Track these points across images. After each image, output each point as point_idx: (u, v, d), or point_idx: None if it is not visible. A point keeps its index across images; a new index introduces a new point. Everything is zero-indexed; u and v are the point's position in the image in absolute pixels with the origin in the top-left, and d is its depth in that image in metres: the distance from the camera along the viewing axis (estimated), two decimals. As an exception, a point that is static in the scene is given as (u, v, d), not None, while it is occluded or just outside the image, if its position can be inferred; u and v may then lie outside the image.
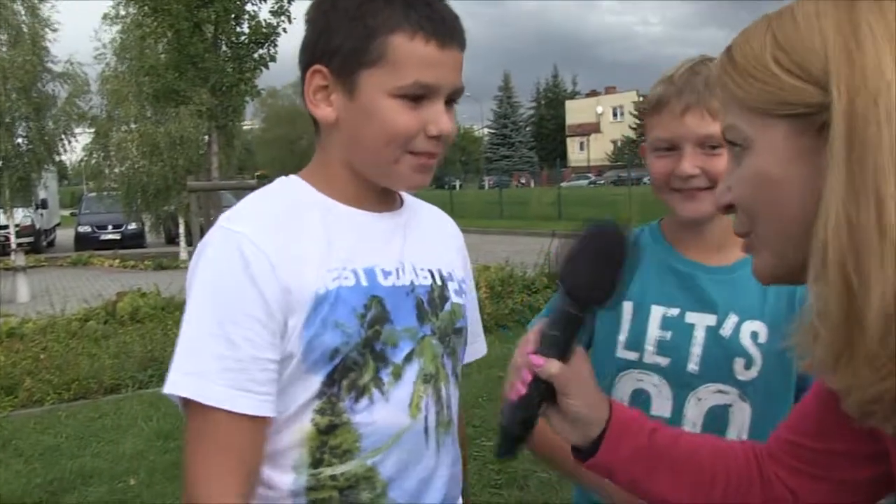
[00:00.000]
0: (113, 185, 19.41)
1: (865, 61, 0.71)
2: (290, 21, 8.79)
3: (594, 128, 77.57)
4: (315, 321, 1.08)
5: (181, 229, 18.60)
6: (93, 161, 19.46)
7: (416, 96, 1.10)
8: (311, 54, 1.15)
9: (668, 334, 1.40)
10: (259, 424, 1.07)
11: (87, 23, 20.34)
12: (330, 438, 1.11)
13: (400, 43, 1.08)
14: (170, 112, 13.47)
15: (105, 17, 18.26)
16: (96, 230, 22.59)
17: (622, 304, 1.44)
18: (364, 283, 1.13)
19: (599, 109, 77.60)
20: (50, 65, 19.97)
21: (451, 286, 1.25)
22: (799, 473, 0.99)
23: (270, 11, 8.56)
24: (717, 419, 1.37)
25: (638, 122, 61.18)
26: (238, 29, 8.62)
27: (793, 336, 0.81)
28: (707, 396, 1.38)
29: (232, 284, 1.06)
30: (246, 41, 8.65)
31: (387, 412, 1.13)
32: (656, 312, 1.42)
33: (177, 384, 1.05)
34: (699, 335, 1.39)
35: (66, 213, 34.11)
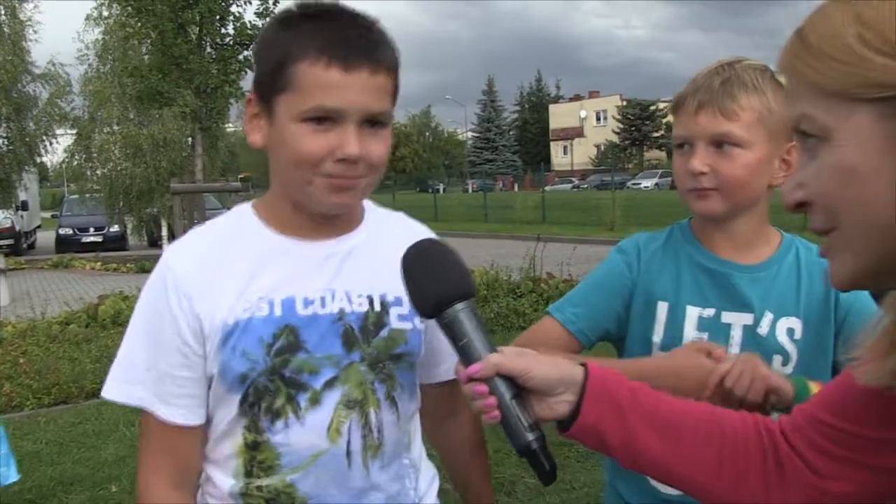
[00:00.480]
0: (95, 187, 19.25)
1: None
2: (275, 23, 8.75)
3: (577, 132, 77.85)
4: (226, 348, 1.18)
5: (164, 232, 18.46)
6: (74, 163, 19.29)
7: (322, 119, 1.13)
8: (252, 84, 1.23)
9: (706, 335, 1.41)
10: (183, 430, 1.22)
11: (70, 24, 20.19)
12: (256, 454, 1.23)
13: (304, 68, 1.12)
14: (153, 114, 13.37)
15: (88, 17, 18.12)
16: (78, 232, 22.38)
17: (656, 304, 1.45)
18: (278, 312, 1.20)
19: (583, 114, 77.89)
20: (30, 66, 19.81)
21: (396, 311, 1.27)
22: (823, 452, 0.96)
23: (255, 13, 8.50)
24: None
25: (621, 126, 61.11)
26: (223, 30, 8.56)
27: (859, 346, 0.78)
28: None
29: (155, 311, 1.21)
30: (231, 43, 8.58)
31: (303, 435, 1.21)
32: (692, 313, 1.43)
33: (110, 390, 1.24)
34: (736, 335, 1.40)
35: (47, 215, 33.85)
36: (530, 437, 0.98)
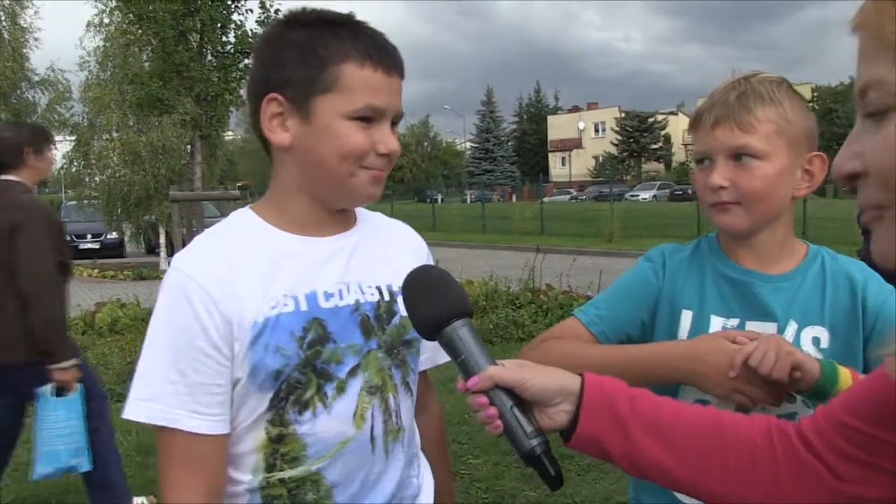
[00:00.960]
0: (93, 193, 19.21)
1: None
2: (276, 31, 8.75)
3: (576, 143, 78.03)
4: (258, 347, 1.20)
5: (162, 239, 18.43)
6: (73, 169, 19.25)
7: (367, 118, 1.22)
8: (263, 85, 1.25)
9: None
10: (213, 440, 1.21)
11: (71, 31, 20.21)
12: (280, 447, 1.24)
13: (351, 71, 1.20)
14: (153, 121, 13.35)
15: (89, 24, 18.14)
16: (75, 239, 22.27)
17: (681, 313, 1.45)
18: (304, 307, 1.24)
19: (581, 125, 78.09)
20: (29, 73, 19.82)
21: (401, 301, 1.31)
22: (846, 457, 0.93)
23: (257, 21, 8.48)
24: None
25: (619, 138, 61.45)
26: (224, 38, 8.53)
27: (890, 341, 0.76)
28: (773, 407, 1.35)
29: (180, 321, 1.19)
30: (232, 50, 8.55)
31: (330, 424, 1.24)
32: (716, 323, 1.43)
33: (133, 409, 1.20)
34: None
35: (44, 221, 33.65)
36: (533, 443, 1.01)
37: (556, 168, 77.94)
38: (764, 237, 1.42)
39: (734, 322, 1.42)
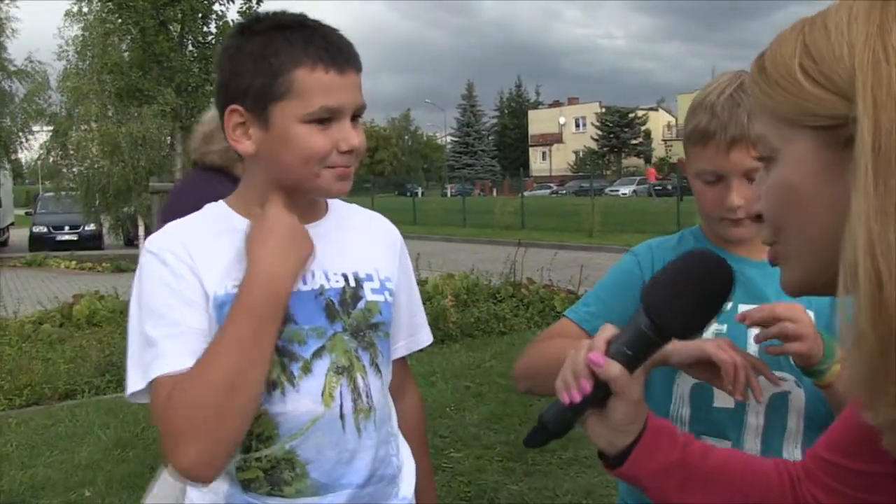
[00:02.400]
0: (71, 184, 19.01)
1: (894, 74, 0.66)
2: (258, 22, 8.66)
3: (556, 138, 78.21)
4: (220, 322, 1.23)
5: (141, 231, 18.27)
6: (50, 160, 19.03)
7: (324, 119, 1.25)
8: (225, 95, 1.29)
9: (724, 327, 1.44)
10: None
11: (50, 20, 19.96)
12: (254, 427, 1.25)
13: (303, 76, 1.23)
14: (132, 111, 13.19)
15: (67, 13, 17.90)
16: (52, 230, 22.12)
17: None
18: None
19: (562, 120, 78.29)
20: (6, 62, 19.55)
21: (369, 286, 1.40)
22: (837, 494, 0.95)
23: (238, 12, 8.38)
24: (778, 408, 1.42)
25: (599, 133, 61.39)
26: (205, 28, 8.44)
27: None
28: (767, 385, 1.39)
29: (160, 284, 1.25)
30: (213, 41, 8.46)
31: (299, 402, 1.28)
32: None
33: (134, 382, 1.22)
34: (751, 347, 1.41)
35: (21, 212, 33.37)
36: (566, 417, 0.97)
37: (537, 163, 78.12)
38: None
39: (727, 304, 1.41)
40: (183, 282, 1.25)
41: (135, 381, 1.23)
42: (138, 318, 1.25)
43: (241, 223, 1.32)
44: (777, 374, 1.41)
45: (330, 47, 1.26)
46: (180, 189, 3.64)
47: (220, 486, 1.31)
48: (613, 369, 0.93)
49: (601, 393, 0.95)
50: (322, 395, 1.30)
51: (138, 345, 1.24)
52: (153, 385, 1.20)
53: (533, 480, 4.27)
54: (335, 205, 1.45)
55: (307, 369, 1.29)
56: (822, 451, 0.98)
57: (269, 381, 1.26)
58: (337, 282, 1.36)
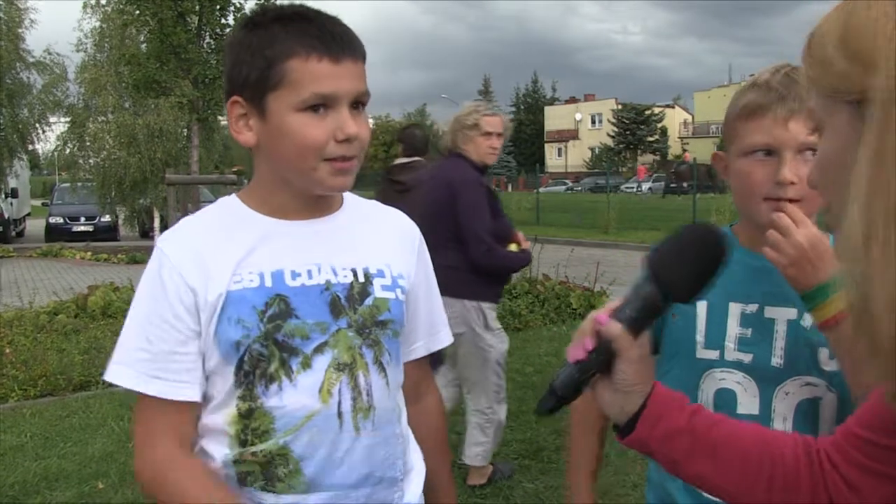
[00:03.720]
0: (87, 176, 19.08)
1: None
2: (275, 14, 8.63)
3: (573, 134, 77.95)
4: (222, 320, 1.26)
5: (156, 223, 18.33)
6: (67, 151, 19.11)
7: (318, 106, 1.25)
8: (229, 87, 1.31)
9: (749, 331, 1.42)
10: (180, 406, 1.28)
11: (68, 13, 20.06)
12: (250, 421, 1.28)
13: (296, 65, 1.24)
14: (149, 103, 13.21)
15: (85, 5, 17.97)
16: (68, 221, 22.21)
17: (696, 305, 1.46)
18: (269, 284, 1.29)
19: (578, 116, 78.00)
20: (24, 53, 19.65)
21: (379, 282, 1.38)
22: (866, 471, 0.94)
23: (257, 3, 8.33)
24: (807, 414, 1.38)
25: (615, 129, 61.24)
26: (223, 20, 8.40)
27: None
28: (795, 390, 1.38)
29: (150, 294, 1.29)
30: (230, 33, 8.44)
31: (296, 397, 1.28)
32: (734, 310, 1.43)
33: (109, 372, 1.29)
34: (781, 329, 1.39)
35: (38, 203, 33.60)
36: (568, 392, 1.00)
37: (553, 159, 77.89)
38: None
39: (753, 307, 1.42)
40: (168, 302, 1.27)
41: (109, 373, 1.29)
42: (132, 312, 1.31)
43: (253, 218, 1.34)
44: (806, 378, 1.38)
45: (324, 36, 1.26)
46: (436, 170, 4.37)
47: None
48: (615, 328, 0.99)
49: (605, 355, 1.00)
50: (320, 391, 1.29)
51: (124, 334, 1.30)
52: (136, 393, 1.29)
53: (548, 479, 4.23)
54: (351, 199, 1.45)
55: (307, 364, 1.29)
56: (856, 429, 0.97)
57: (268, 375, 1.27)
58: (345, 277, 1.34)
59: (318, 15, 1.30)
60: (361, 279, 1.35)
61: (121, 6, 9.15)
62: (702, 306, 1.45)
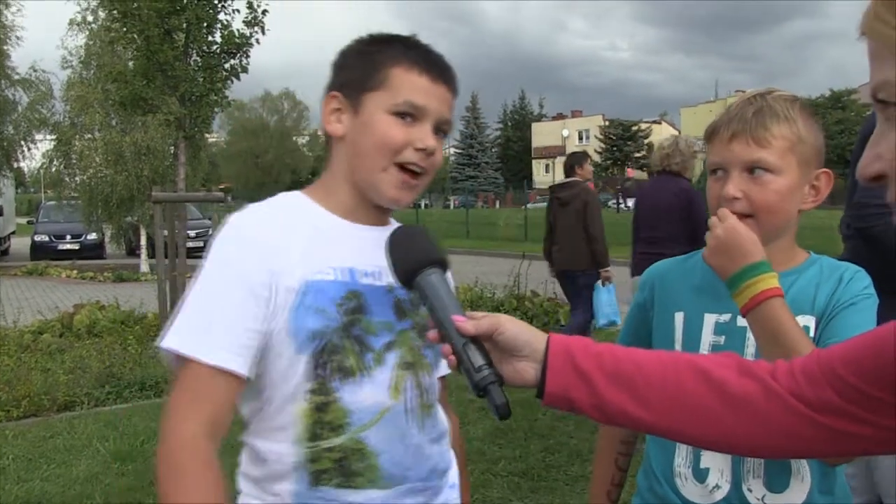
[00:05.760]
0: (73, 193, 18.96)
1: None
2: (263, 32, 8.59)
3: (560, 150, 78.14)
4: (300, 308, 1.28)
5: (143, 241, 18.24)
6: (53, 168, 19.00)
7: (408, 114, 1.35)
8: (329, 86, 1.42)
9: (722, 338, 1.49)
10: (228, 378, 1.26)
11: (53, 30, 20.03)
12: (323, 415, 1.30)
13: (399, 73, 1.35)
14: (136, 120, 13.16)
15: (71, 22, 17.92)
16: (54, 239, 22.06)
17: (674, 316, 1.54)
18: (345, 279, 1.34)
19: (566, 132, 78.32)
20: (9, 71, 19.56)
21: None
22: (831, 404, 0.95)
23: (244, 21, 8.32)
24: None
25: (603, 146, 61.90)
26: (210, 38, 8.38)
27: None
28: None
29: (222, 268, 1.30)
30: (217, 51, 8.40)
31: (371, 392, 1.32)
32: (709, 320, 1.51)
33: (168, 339, 1.27)
34: (752, 336, 1.41)
35: (23, 220, 33.35)
36: (477, 376, 1.10)
37: (540, 175, 78.08)
38: (769, 247, 1.43)
39: (726, 317, 1.49)
40: (246, 277, 1.28)
41: (166, 340, 1.28)
42: (201, 282, 1.30)
43: (319, 213, 1.40)
44: None
45: (429, 58, 1.39)
46: (647, 187, 5.72)
47: (285, 487, 1.31)
48: (464, 325, 1.12)
49: (458, 337, 1.13)
50: (391, 387, 1.34)
51: (188, 304, 1.29)
52: (178, 358, 1.27)
53: (539, 496, 4.21)
54: (393, 220, 1.52)
55: (379, 360, 1.34)
56: (839, 369, 0.96)
57: (344, 369, 1.30)
58: None
59: (426, 44, 1.43)
60: None
61: (107, 23, 9.14)
62: (679, 316, 1.54)
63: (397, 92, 1.35)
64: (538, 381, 1.09)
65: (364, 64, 1.38)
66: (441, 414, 1.47)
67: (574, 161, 6.97)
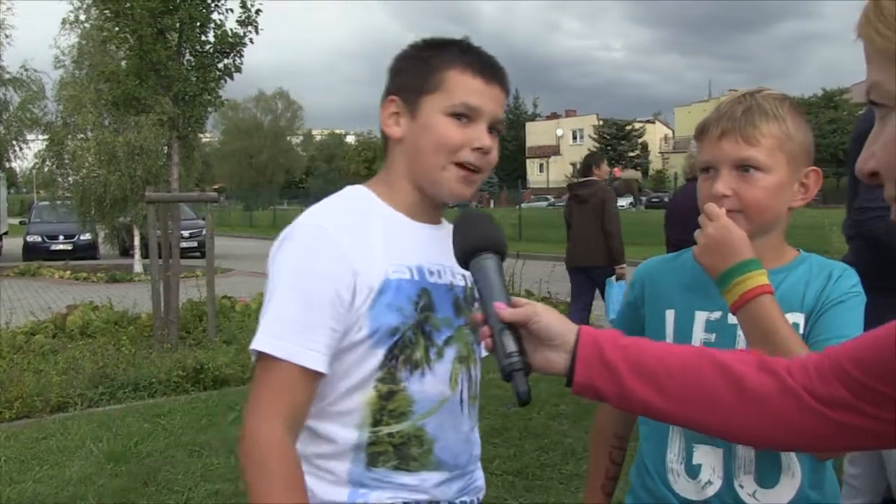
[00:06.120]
0: (66, 194, 18.89)
1: None
2: (257, 32, 8.54)
3: (554, 150, 78.33)
4: (380, 304, 1.35)
5: (136, 241, 18.18)
6: (45, 169, 18.93)
7: (463, 115, 1.41)
8: (387, 89, 1.48)
9: (713, 336, 1.50)
10: (312, 377, 1.32)
11: (45, 30, 19.93)
12: (388, 403, 1.37)
13: (454, 76, 1.41)
14: (129, 120, 13.09)
15: (64, 21, 17.85)
16: (46, 240, 22.01)
17: (665, 314, 1.56)
18: (416, 277, 1.41)
19: (559, 132, 78.44)
20: (0, 70, 19.49)
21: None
22: (843, 405, 0.98)
23: (238, 21, 8.29)
24: None
25: (597, 145, 62.13)
26: (203, 37, 8.33)
27: None
28: None
29: (307, 266, 1.34)
30: (211, 50, 8.37)
31: (433, 383, 1.40)
32: (700, 317, 1.53)
33: (259, 342, 1.31)
34: (742, 334, 1.42)
35: (15, 221, 33.27)
36: (505, 361, 1.17)
37: (534, 174, 78.18)
38: (759, 244, 1.44)
39: (717, 314, 1.50)
40: (331, 280, 1.33)
41: (260, 343, 1.31)
42: (284, 285, 1.34)
43: (386, 210, 1.45)
44: None
45: (482, 60, 1.44)
46: (679, 197, 5.78)
47: (340, 466, 1.38)
48: (504, 312, 1.19)
49: (507, 328, 1.18)
50: (449, 379, 1.43)
51: (275, 307, 1.33)
52: (262, 357, 1.31)
53: (534, 496, 4.21)
54: (446, 222, 1.57)
55: (440, 354, 1.42)
56: (846, 364, 0.99)
57: (413, 361, 1.38)
58: (461, 280, 1.49)
59: (476, 46, 1.49)
60: (471, 284, 1.47)
61: (100, 23, 9.09)
62: (670, 314, 1.56)
63: (453, 94, 1.41)
64: (567, 371, 1.15)
65: (420, 68, 1.44)
66: (478, 404, 1.55)
67: (591, 161, 7.34)
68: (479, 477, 1.56)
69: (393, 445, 1.38)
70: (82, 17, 17.46)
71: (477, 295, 1.27)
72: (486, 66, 1.44)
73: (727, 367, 1.07)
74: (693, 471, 1.48)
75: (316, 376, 1.33)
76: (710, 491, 1.47)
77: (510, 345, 1.18)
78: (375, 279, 1.35)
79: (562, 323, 1.18)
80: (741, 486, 1.45)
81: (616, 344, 1.14)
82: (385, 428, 1.37)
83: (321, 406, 1.38)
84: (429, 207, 1.49)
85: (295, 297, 1.33)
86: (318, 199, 1.53)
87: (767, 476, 1.45)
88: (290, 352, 1.30)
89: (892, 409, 0.94)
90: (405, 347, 1.38)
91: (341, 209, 1.43)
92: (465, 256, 1.28)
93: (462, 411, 1.46)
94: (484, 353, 1.54)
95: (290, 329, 1.31)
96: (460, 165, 1.42)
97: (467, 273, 1.45)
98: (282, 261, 1.36)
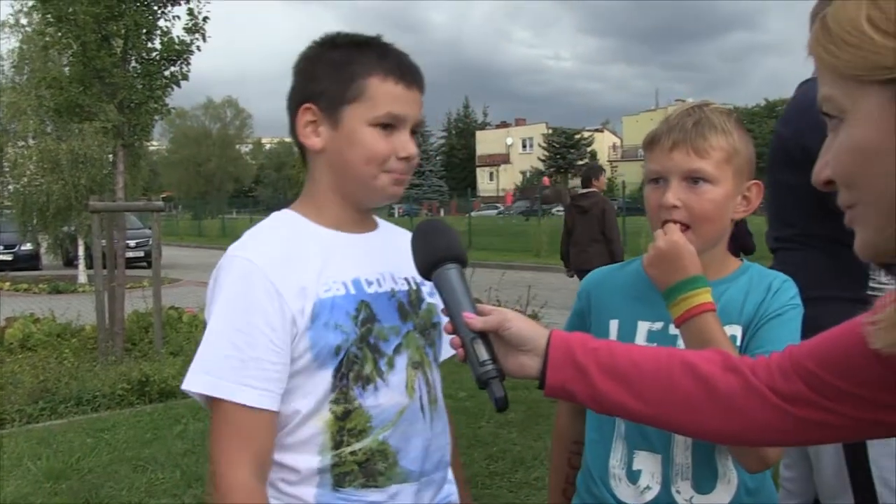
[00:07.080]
0: (6, 202, 18.39)
1: None
2: (204, 39, 8.42)
3: (504, 158, 78.85)
4: (317, 326, 1.34)
5: (80, 251, 17.77)
6: (-17, 177, 18.40)
7: (388, 125, 1.40)
8: (300, 96, 1.43)
9: (654, 346, 1.49)
10: (261, 415, 1.31)
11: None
12: (346, 423, 1.36)
13: (375, 83, 1.39)
14: (73, 128, 12.80)
15: (3, 24, 17.43)
16: (-14, 250, 21.37)
17: (609, 323, 1.59)
18: (353, 291, 1.40)
19: (509, 140, 78.99)
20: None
21: (424, 289, 1.53)
22: (804, 401, 1.02)
23: (185, 28, 8.16)
24: None
25: (546, 154, 62.40)
26: (149, 44, 8.19)
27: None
28: None
29: (238, 302, 1.32)
30: (157, 57, 8.23)
31: (389, 395, 1.39)
32: (642, 327, 1.56)
33: (190, 381, 1.31)
34: (681, 344, 1.45)
35: (-47, 231, 32.16)
36: (480, 370, 1.19)
37: (484, 183, 78.55)
38: (704, 257, 1.48)
39: (659, 325, 1.54)
40: (264, 313, 1.31)
41: (192, 382, 1.31)
42: (218, 321, 1.33)
43: (315, 230, 1.44)
44: None
45: (401, 64, 1.42)
46: None
47: (307, 491, 1.37)
48: (474, 321, 1.21)
49: (468, 331, 1.21)
50: (406, 387, 1.42)
51: (208, 343, 1.32)
52: (213, 403, 1.31)
53: (483, 505, 4.21)
54: (381, 221, 1.59)
55: (391, 364, 1.41)
56: (807, 363, 1.03)
57: (364, 377, 1.37)
58: (403, 285, 1.49)
59: (392, 46, 1.46)
60: (414, 287, 1.50)
61: (41, 27, 8.87)
62: (614, 324, 1.59)
63: (377, 103, 1.39)
64: (539, 374, 1.18)
65: (338, 75, 1.40)
66: (443, 407, 1.54)
67: (591, 174, 8.16)
68: (453, 492, 1.55)
69: (358, 464, 1.37)
70: (23, 21, 17.08)
71: (443, 306, 1.27)
72: (406, 70, 1.43)
73: (695, 367, 1.11)
74: (633, 476, 1.52)
75: (270, 413, 1.32)
76: (649, 496, 1.50)
77: (483, 353, 1.19)
78: (308, 303, 1.34)
79: (532, 328, 1.21)
80: (678, 492, 1.49)
81: (587, 346, 1.17)
82: (347, 448, 1.36)
83: (279, 437, 1.36)
84: (360, 215, 1.49)
85: (225, 333, 1.32)
86: (267, 207, 1.53)
87: (704, 482, 1.49)
88: (231, 392, 1.29)
89: (850, 404, 0.98)
90: (353, 364, 1.36)
91: (270, 239, 1.42)
92: (426, 268, 1.29)
93: (424, 417, 1.45)
94: (444, 356, 1.57)
95: (223, 365, 1.30)
96: (389, 172, 1.42)
97: (411, 275, 1.47)
98: (217, 299, 1.35)
